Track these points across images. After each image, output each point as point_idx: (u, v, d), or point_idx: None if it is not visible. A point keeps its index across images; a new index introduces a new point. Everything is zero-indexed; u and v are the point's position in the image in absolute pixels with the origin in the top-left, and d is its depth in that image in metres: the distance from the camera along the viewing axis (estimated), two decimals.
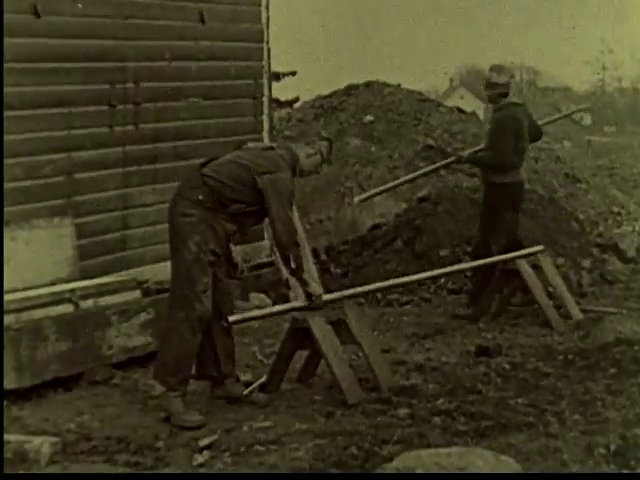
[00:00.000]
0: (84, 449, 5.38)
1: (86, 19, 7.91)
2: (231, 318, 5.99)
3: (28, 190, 7.42)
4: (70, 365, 6.52)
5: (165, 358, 6.01)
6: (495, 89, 8.51)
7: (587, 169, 14.82)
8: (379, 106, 15.46)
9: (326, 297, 6.28)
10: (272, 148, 6.29)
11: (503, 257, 8.37)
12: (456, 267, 8.36)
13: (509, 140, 8.38)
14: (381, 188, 9.43)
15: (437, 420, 5.51)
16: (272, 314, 6.45)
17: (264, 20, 9.80)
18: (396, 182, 9.64)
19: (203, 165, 6.14)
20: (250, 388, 6.25)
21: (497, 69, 8.57)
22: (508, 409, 5.60)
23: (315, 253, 10.37)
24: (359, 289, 6.97)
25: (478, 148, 9.24)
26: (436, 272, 8.09)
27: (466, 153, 9.04)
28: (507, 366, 6.68)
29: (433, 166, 9.98)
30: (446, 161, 9.49)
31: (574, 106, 51.52)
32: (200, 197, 6.00)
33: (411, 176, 9.88)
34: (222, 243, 6.06)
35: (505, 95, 8.49)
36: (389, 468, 4.43)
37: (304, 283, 6.18)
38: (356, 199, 9.46)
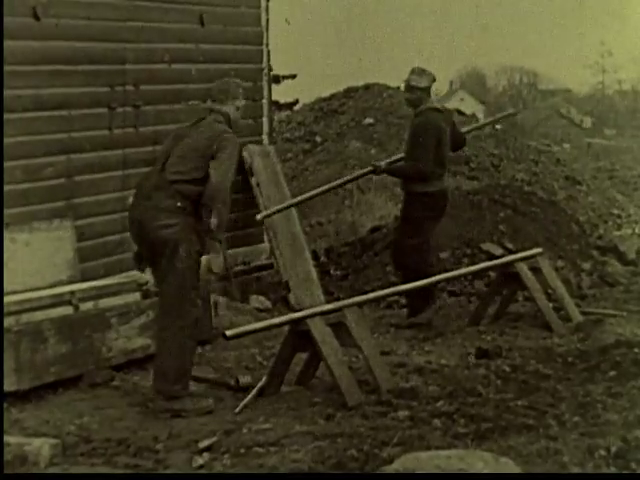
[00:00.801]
0: (84, 451, 5.39)
1: (86, 22, 7.91)
2: (228, 333, 5.98)
3: (28, 192, 7.42)
4: (70, 367, 6.53)
5: (165, 368, 6.01)
6: (415, 93, 8.17)
7: (587, 171, 14.83)
8: (379, 109, 15.48)
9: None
10: (203, 119, 6.27)
11: (502, 260, 8.38)
12: (456, 272, 8.36)
13: (428, 148, 8.04)
14: (288, 203, 8.76)
15: (437, 422, 5.51)
16: (270, 327, 6.41)
17: (264, 23, 9.81)
18: (304, 196, 8.82)
19: (161, 172, 6.09)
20: (253, 392, 6.25)
21: (418, 72, 8.22)
22: (508, 411, 5.60)
23: (315, 255, 10.37)
24: (357, 299, 6.84)
25: (397, 157, 8.83)
26: (436, 278, 8.08)
27: (383, 163, 8.54)
28: (507, 368, 6.67)
29: (348, 177, 9.33)
30: (362, 172, 8.95)
31: (574, 109, 51.48)
32: (179, 204, 6.02)
33: (325, 187, 8.99)
34: (203, 242, 6.09)
35: (425, 100, 8.16)
36: (389, 470, 4.43)
37: (217, 244, 6.05)
38: (259, 216, 8.48)
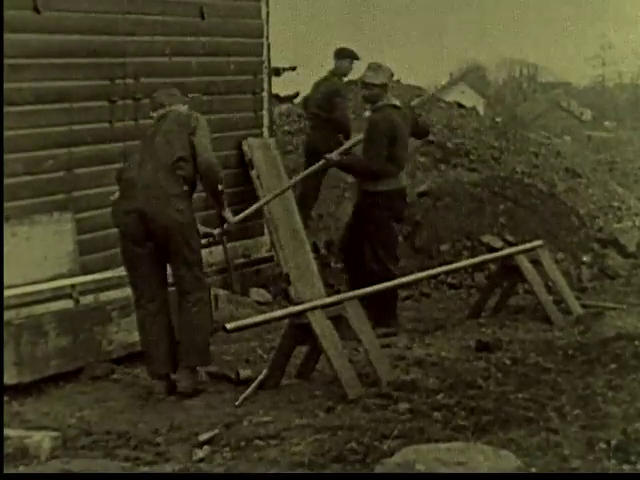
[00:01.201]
0: (84, 444, 5.40)
1: (86, 15, 7.90)
2: (229, 326, 6.00)
3: (28, 185, 7.41)
4: (70, 360, 6.54)
5: (199, 341, 6.36)
6: (371, 89, 7.84)
7: (587, 164, 14.81)
8: None
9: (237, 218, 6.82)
10: (164, 116, 6.53)
11: (502, 253, 8.39)
12: (456, 265, 8.38)
13: (379, 146, 7.73)
14: (256, 206, 8.40)
15: (437, 415, 5.51)
16: (270, 320, 6.42)
17: (264, 15, 9.80)
18: (269, 197, 8.58)
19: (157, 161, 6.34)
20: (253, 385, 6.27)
21: (374, 68, 7.89)
22: (508, 404, 5.60)
23: (315, 248, 10.37)
24: (357, 292, 6.84)
25: (347, 145, 8.45)
26: (436, 270, 8.09)
27: (335, 154, 8.14)
28: (507, 361, 6.68)
29: (304, 172, 8.96)
30: (316, 165, 8.50)
31: (574, 102, 51.41)
32: (185, 189, 6.30)
33: (286, 186, 8.83)
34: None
35: (382, 96, 7.84)
36: (389, 463, 4.44)
37: (224, 208, 6.56)
38: (233, 219, 8.24)
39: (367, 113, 8.16)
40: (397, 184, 7.92)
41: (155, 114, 6.56)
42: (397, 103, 8.00)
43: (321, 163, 8.32)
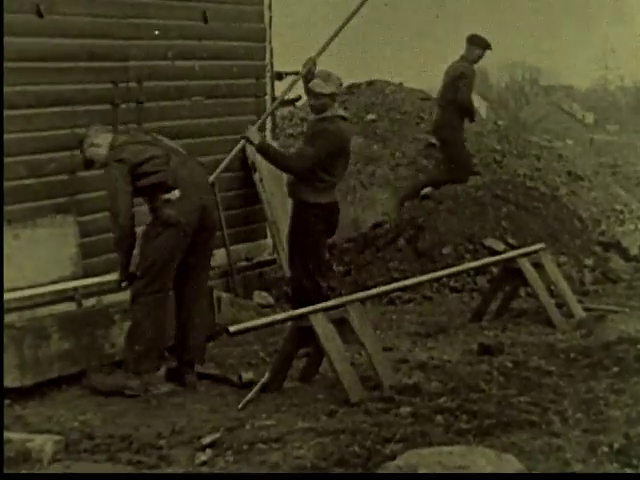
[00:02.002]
0: (87, 447, 5.40)
1: (89, 18, 7.91)
2: (231, 328, 6.00)
3: (31, 188, 7.42)
4: (73, 363, 6.54)
5: (202, 337, 6.75)
6: (319, 99, 7.49)
7: (589, 167, 14.81)
8: (381, 104, 15.44)
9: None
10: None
11: (505, 256, 8.38)
12: (458, 268, 8.36)
13: (318, 154, 7.37)
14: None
15: (439, 418, 5.51)
16: (272, 323, 6.41)
17: (267, 20, 9.81)
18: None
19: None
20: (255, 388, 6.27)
21: (324, 76, 7.53)
22: (510, 407, 5.60)
23: None
24: (359, 294, 6.84)
25: (264, 117, 8.28)
26: (438, 274, 8.08)
27: (253, 131, 7.64)
28: (509, 364, 6.67)
29: (232, 153, 8.26)
30: (238, 145, 8.05)
31: (576, 105, 51.34)
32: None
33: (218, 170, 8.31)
34: None
35: (330, 106, 7.51)
36: (391, 466, 4.44)
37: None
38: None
39: (312, 117, 7.82)
40: (333, 197, 7.65)
41: None
42: (344, 114, 7.81)
43: (242, 143, 7.92)
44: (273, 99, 9.76)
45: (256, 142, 7.57)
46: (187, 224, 6.56)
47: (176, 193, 6.57)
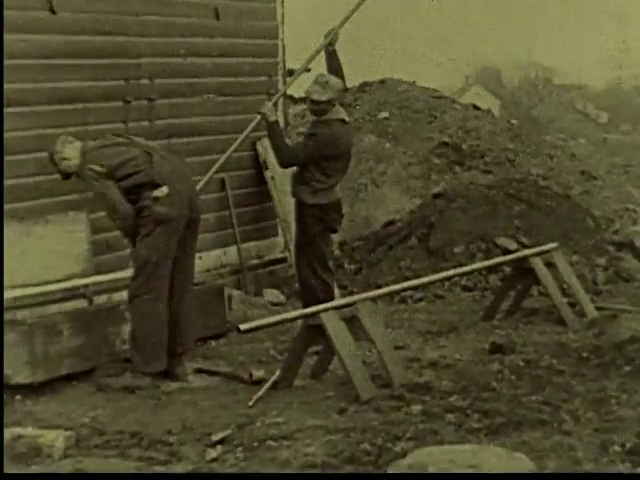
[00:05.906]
0: (97, 443, 5.40)
1: (101, 16, 7.92)
2: (242, 326, 6.00)
3: (42, 185, 7.43)
4: (84, 360, 6.54)
5: (192, 329, 6.80)
6: (317, 105, 7.47)
7: (603, 166, 14.79)
8: (394, 103, 15.46)
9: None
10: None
11: (517, 255, 8.36)
12: (470, 267, 8.36)
13: (309, 156, 7.44)
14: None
15: (450, 417, 5.50)
16: (283, 321, 6.41)
17: (279, 17, 9.80)
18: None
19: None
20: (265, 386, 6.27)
21: (321, 83, 7.46)
22: (522, 406, 5.59)
23: None
24: (370, 293, 6.83)
25: (280, 94, 8.39)
26: (450, 273, 8.07)
27: (269, 108, 7.64)
28: (521, 363, 6.65)
29: (246, 130, 8.10)
30: (254, 122, 7.91)
31: (590, 104, 51.23)
32: None
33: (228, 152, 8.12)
34: None
35: (329, 110, 7.47)
36: (402, 464, 4.43)
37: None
38: None
39: (311, 118, 7.85)
40: (334, 197, 7.67)
41: None
42: (344, 117, 7.68)
43: (258, 119, 7.83)
44: (285, 96, 9.75)
45: (271, 119, 7.60)
46: (178, 219, 6.53)
47: (164, 190, 6.52)
